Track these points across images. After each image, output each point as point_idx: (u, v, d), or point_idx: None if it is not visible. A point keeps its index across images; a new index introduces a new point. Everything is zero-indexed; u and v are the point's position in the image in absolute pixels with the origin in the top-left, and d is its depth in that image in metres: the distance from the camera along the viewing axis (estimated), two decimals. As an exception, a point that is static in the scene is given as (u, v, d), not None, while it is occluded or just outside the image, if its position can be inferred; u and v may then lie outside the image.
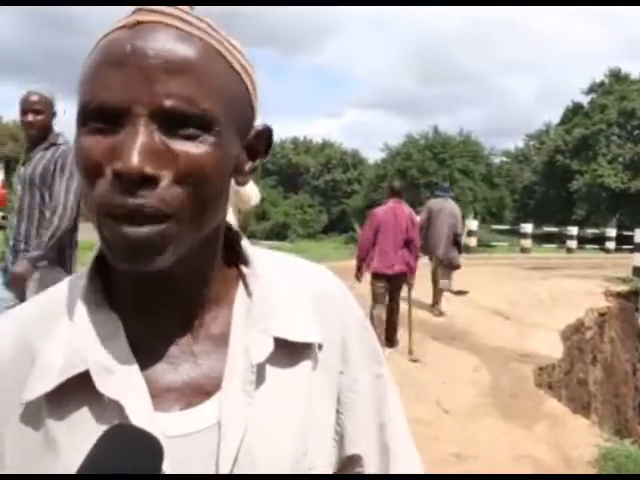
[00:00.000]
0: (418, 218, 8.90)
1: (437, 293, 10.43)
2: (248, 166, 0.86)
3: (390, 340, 8.20)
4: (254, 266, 0.91)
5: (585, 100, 53.43)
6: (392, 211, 8.06)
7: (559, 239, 29.96)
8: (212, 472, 0.79)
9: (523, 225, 26.00)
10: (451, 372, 7.67)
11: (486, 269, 15.04)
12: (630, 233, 21.50)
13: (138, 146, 0.72)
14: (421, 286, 11.89)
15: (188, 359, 0.84)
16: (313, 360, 0.89)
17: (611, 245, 27.90)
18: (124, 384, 0.78)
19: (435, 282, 10.37)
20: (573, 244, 26.38)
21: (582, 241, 29.07)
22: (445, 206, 10.21)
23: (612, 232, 28.67)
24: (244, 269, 0.91)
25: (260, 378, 0.84)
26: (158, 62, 0.74)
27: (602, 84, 52.26)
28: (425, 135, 48.79)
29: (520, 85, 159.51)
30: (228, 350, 0.84)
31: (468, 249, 22.21)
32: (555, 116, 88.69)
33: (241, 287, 0.90)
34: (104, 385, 0.77)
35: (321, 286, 0.98)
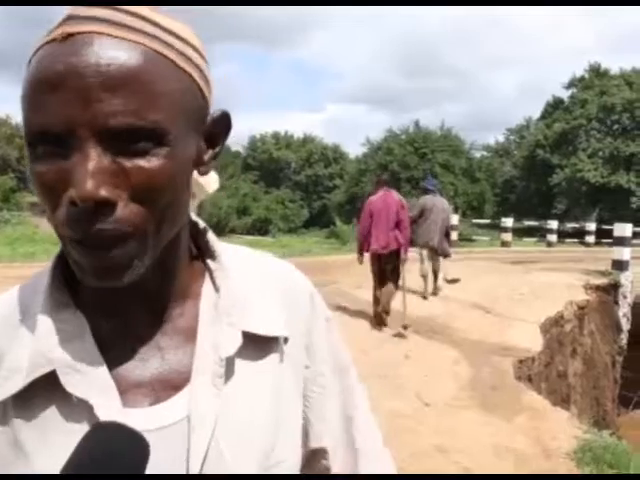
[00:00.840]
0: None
1: (430, 280, 11.39)
2: (208, 155, 0.85)
3: (379, 319, 9.19)
4: (221, 260, 0.91)
5: (565, 95, 53.79)
6: (383, 198, 9.12)
7: (539, 233, 30.13)
8: (182, 466, 0.79)
9: (504, 219, 26.16)
10: (432, 365, 7.70)
11: (467, 263, 15.10)
12: (609, 227, 21.59)
13: (89, 171, 0.70)
14: (408, 277, 11.97)
15: (156, 354, 0.84)
16: (280, 354, 0.90)
17: (591, 239, 28.04)
18: (91, 382, 0.78)
19: (424, 276, 11.29)
20: (553, 238, 26.53)
21: (562, 235, 29.22)
22: (437, 202, 11.30)
23: (592, 226, 28.84)
24: (211, 263, 0.91)
25: (229, 372, 0.84)
26: (96, 79, 0.70)
27: (582, 79, 52.59)
28: (406, 130, 49.04)
29: (501, 80, 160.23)
30: (196, 344, 0.84)
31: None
32: (536, 111, 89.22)
33: (208, 281, 0.90)
34: (71, 385, 0.77)
35: (288, 283, 0.98)
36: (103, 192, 0.70)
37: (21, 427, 0.77)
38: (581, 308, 12.43)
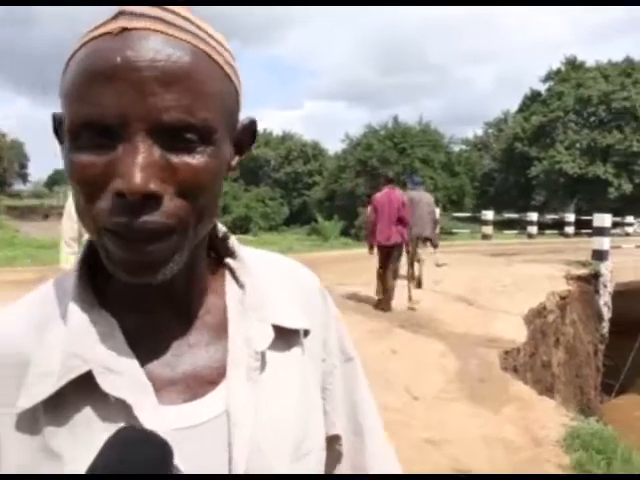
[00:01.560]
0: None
1: (414, 271, 11.71)
2: (235, 160, 0.86)
3: (385, 303, 10.10)
4: (242, 259, 0.93)
5: (543, 88, 54.07)
6: (387, 195, 9.93)
7: (519, 225, 30.27)
8: (225, 461, 0.80)
9: (484, 212, 26.27)
10: (419, 359, 7.75)
11: (449, 257, 15.15)
12: (588, 217, 21.74)
13: (139, 164, 0.71)
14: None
15: (186, 351, 0.84)
16: (301, 347, 0.93)
17: (570, 230, 28.23)
18: (127, 382, 0.77)
19: (412, 264, 11.59)
20: (533, 230, 26.66)
21: (542, 226, 29.36)
22: (422, 196, 11.89)
23: (571, 217, 29.05)
24: (231, 262, 0.93)
25: (262, 366, 0.86)
26: (152, 74, 0.71)
27: (559, 72, 52.87)
28: (385, 125, 48.97)
29: (479, 74, 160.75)
30: (228, 339, 0.86)
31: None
32: (513, 104, 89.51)
33: (229, 279, 0.92)
34: (108, 385, 0.76)
35: (301, 279, 1.01)
36: (152, 185, 0.71)
37: (53, 432, 0.76)
38: (563, 298, 12.54)
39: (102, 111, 0.71)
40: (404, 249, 10.32)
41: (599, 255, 15.13)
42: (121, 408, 0.76)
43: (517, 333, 9.42)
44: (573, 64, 52.77)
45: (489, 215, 25.47)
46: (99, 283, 0.84)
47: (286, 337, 0.91)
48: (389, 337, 8.67)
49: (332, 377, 1.00)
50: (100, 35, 0.74)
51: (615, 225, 22.87)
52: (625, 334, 16.28)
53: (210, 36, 0.79)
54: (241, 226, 47.30)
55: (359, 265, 14.25)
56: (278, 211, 54.87)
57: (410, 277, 10.84)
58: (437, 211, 13.64)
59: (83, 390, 0.77)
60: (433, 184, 43.56)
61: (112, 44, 0.73)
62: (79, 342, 0.78)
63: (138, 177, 0.70)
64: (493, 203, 42.23)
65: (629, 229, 30.15)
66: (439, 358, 7.92)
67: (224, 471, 0.79)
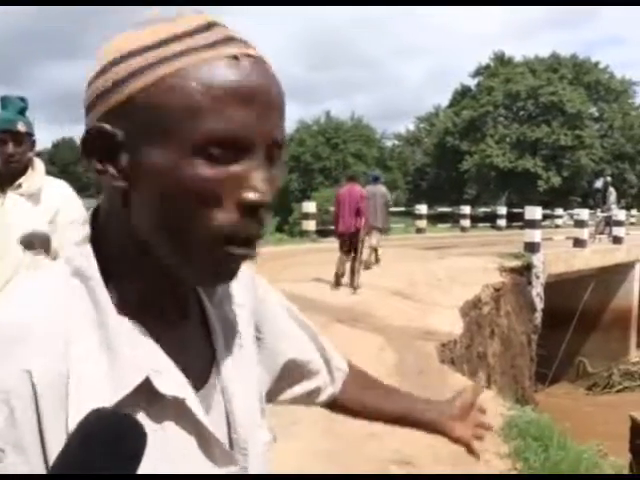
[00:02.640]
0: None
1: (371, 252, 13.55)
2: None
3: (351, 283, 11.38)
4: None
5: (472, 83, 54.87)
6: (348, 190, 11.64)
7: (452, 218, 30.68)
8: (225, 427, 0.89)
9: (418, 206, 26.47)
10: (357, 353, 7.76)
11: (384, 250, 15.23)
12: (520, 210, 22.20)
13: (263, 178, 0.78)
14: (324, 269, 12.05)
15: (187, 342, 0.89)
16: (244, 316, 1.01)
17: (502, 222, 28.72)
18: (175, 381, 0.82)
19: (372, 248, 13.54)
20: (466, 223, 26.99)
21: (474, 220, 29.80)
22: (377, 190, 13.66)
23: (502, 210, 29.56)
24: None
25: (241, 343, 0.97)
26: (275, 100, 0.81)
27: (488, 67, 53.73)
28: (317, 120, 49.13)
29: (410, 69, 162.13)
30: (209, 324, 0.93)
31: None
32: (444, 99, 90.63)
33: None
34: (163, 386, 0.80)
35: None
36: (269, 198, 0.79)
37: None
38: (497, 290, 12.76)
39: (237, 128, 0.77)
40: (360, 235, 11.58)
41: (531, 247, 15.43)
42: (174, 406, 0.81)
43: (453, 325, 9.55)
44: (502, 59, 53.71)
45: (423, 209, 25.70)
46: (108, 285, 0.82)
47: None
48: (327, 332, 8.50)
49: (268, 313, 1.09)
50: (219, 57, 0.78)
51: (545, 217, 23.38)
52: (557, 324, 16.68)
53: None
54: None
55: (293, 261, 14.26)
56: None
57: (359, 262, 11.84)
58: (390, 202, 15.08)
59: (138, 397, 0.78)
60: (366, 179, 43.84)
61: (238, 68, 0.78)
62: (127, 350, 0.79)
63: (266, 188, 0.79)
64: (426, 197, 42.70)
65: (559, 221, 30.85)
66: (378, 352, 7.96)
67: (226, 439, 0.88)
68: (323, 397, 1.25)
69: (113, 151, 0.79)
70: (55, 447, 0.69)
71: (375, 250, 13.86)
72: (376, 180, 14.16)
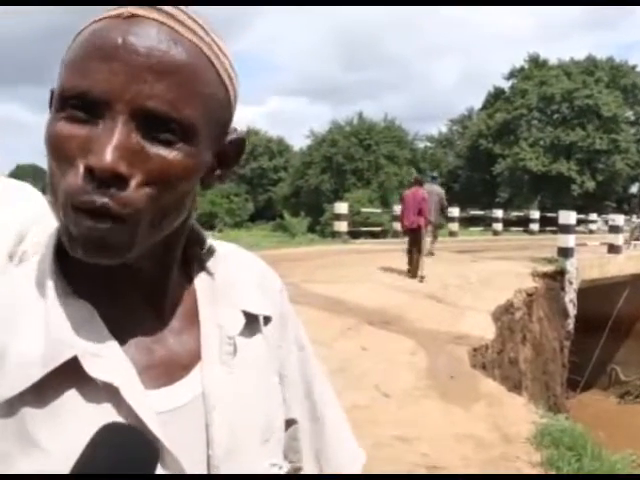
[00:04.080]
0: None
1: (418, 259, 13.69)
2: (217, 173, 0.87)
3: (414, 273, 12.87)
4: (210, 248, 0.94)
5: (506, 85, 54.58)
6: (412, 193, 13.34)
7: (484, 222, 30.51)
8: (203, 442, 0.81)
9: (450, 209, 26.37)
10: (389, 356, 7.75)
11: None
12: (553, 214, 22.01)
13: (114, 144, 0.71)
14: (356, 271, 12.04)
15: (161, 337, 0.85)
16: (262, 334, 0.95)
17: (535, 227, 28.52)
18: (112, 366, 0.77)
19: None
20: (499, 226, 26.87)
21: (507, 223, 29.64)
22: (433, 189, 15.65)
23: (535, 214, 29.33)
24: (200, 252, 0.94)
25: (234, 350, 0.88)
26: (147, 61, 0.73)
27: (522, 69, 53.42)
28: (350, 121, 49.09)
29: (443, 71, 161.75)
30: (200, 325, 0.87)
31: (397, 234, 22.50)
32: (477, 101, 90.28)
33: (198, 267, 0.93)
34: (94, 369, 0.76)
35: (261, 269, 1.03)
36: (122, 167, 0.71)
37: (33, 418, 0.75)
38: (529, 295, 12.64)
39: (92, 84, 0.73)
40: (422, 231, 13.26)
41: (564, 252, 15.28)
42: (107, 392, 0.76)
43: (485, 330, 9.47)
44: (536, 62, 53.38)
45: (455, 212, 25.55)
46: (68, 269, 0.83)
47: (250, 323, 0.93)
48: (358, 334, 8.65)
49: (288, 363, 1.00)
50: (110, 17, 0.76)
51: (579, 222, 23.15)
52: (590, 331, 16.50)
53: (215, 43, 0.80)
54: (206, 222, 47.09)
55: (326, 262, 14.24)
56: (243, 207, 54.84)
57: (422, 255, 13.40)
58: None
59: (66, 377, 0.76)
60: (398, 180, 43.77)
61: (118, 25, 0.75)
62: (62, 328, 0.78)
63: (110, 156, 0.71)
64: (458, 200, 42.43)
65: (593, 226, 30.56)
66: (409, 355, 7.93)
67: (204, 452, 0.81)
68: None
69: None
70: None
71: (434, 237, 15.96)
72: (434, 179, 16.69)
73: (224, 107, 0.83)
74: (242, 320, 0.90)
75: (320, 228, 34.54)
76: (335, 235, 20.78)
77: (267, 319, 0.96)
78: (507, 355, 10.48)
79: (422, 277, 12.67)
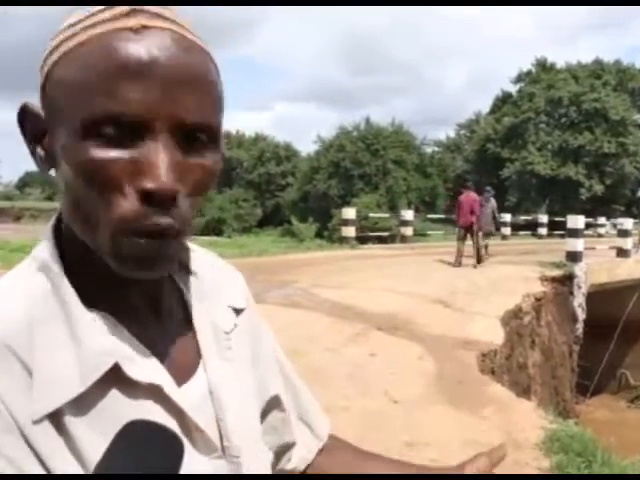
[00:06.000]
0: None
1: (477, 252, 16.21)
2: None
3: (478, 260, 15.80)
4: (189, 249, 0.96)
5: (514, 89, 54.50)
6: (465, 196, 15.96)
7: (492, 226, 30.40)
8: (217, 435, 0.84)
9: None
10: (397, 362, 7.73)
11: (423, 258, 15.24)
12: (561, 219, 21.95)
13: (167, 164, 0.71)
14: (364, 276, 12.01)
15: (163, 339, 0.85)
16: (241, 324, 0.97)
17: (543, 231, 28.48)
18: (149, 368, 0.79)
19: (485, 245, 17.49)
20: (507, 231, 26.83)
21: (515, 227, 29.58)
22: (489, 201, 18.10)
23: (544, 218, 29.29)
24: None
25: (230, 345, 0.91)
26: (174, 75, 0.72)
27: (529, 73, 53.35)
28: (357, 126, 49.08)
29: (450, 75, 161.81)
30: (194, 324, 0.89)
31: (404, 239, 22.50)
32: (485, 105, 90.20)
33: (179, 268, 0.94)
34: (136, 372, 0.77)
35: (219, 262, 1.04)
36: (178, 187, 0.72)
37: (79, 434, 0.73)
38: (538, 300, 12.61)
39: (128, 107, 0.71)
40: (475, 229, 15.87)
41: (573, 256, 15.26)
42: (148, 392, 0.78)
43: (494, 335, 9.44)
44: (543, 65, 53.30)
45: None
46: (72, 279, 0.80)
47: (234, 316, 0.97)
48: (367, 340, 8.63)
49: (260, 343, 1.03)
50: (119, 30, 0.73)
51: (588, 226, 23.10)
52: (599, 335, 16.44)
53: (199, 38, 0.80)
54: (214, 228, 47.17)
55: (334, 267, 14.24)
56: (251, 213, 54.80)
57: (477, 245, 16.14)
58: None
59: (103, 383, 0.76)
60: (406, 185, 43.77)
61: (135, 40, 0.72)
62: (95, 338, 0.77)
63: (168, 178, 0.71)
64: (466, 204, 42.40)
65: (601, 230, 30.48)
66: (417, 361, 7.90)
67: (219, 445, 0.84)
68: (294, 462, 1.08)
69: (40, 132, 0.78)
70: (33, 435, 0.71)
71: (485, 247, 17.44)
72: (488, 192, 18.77)
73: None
74: (232, 316, 0.94)
75: (328, 233, 34.53)
76: (343, 240, 20.77)
77: (242, 309, 0.99)
78: (516, 360, 10.45)
79: (479, 261, 15.76)
